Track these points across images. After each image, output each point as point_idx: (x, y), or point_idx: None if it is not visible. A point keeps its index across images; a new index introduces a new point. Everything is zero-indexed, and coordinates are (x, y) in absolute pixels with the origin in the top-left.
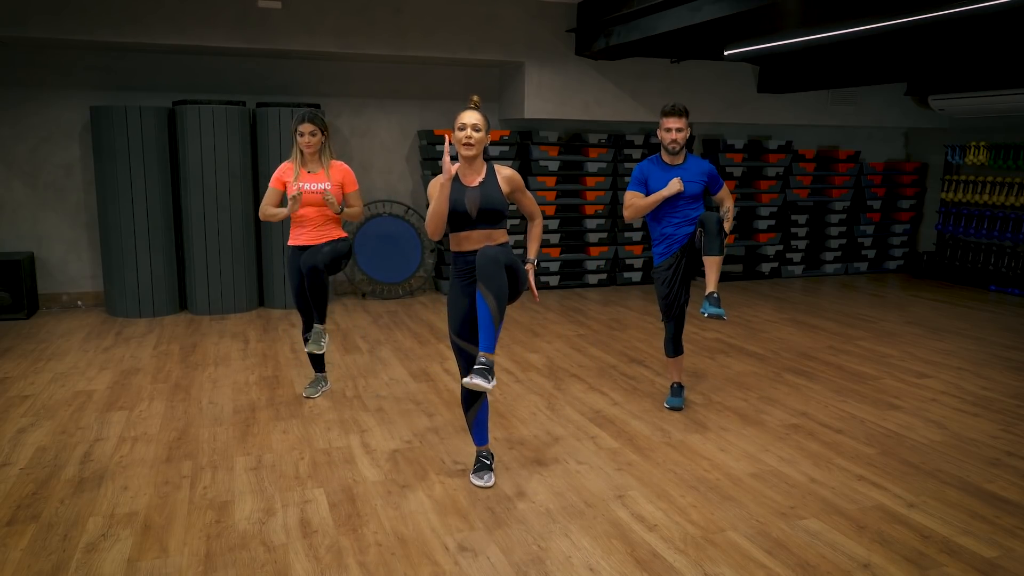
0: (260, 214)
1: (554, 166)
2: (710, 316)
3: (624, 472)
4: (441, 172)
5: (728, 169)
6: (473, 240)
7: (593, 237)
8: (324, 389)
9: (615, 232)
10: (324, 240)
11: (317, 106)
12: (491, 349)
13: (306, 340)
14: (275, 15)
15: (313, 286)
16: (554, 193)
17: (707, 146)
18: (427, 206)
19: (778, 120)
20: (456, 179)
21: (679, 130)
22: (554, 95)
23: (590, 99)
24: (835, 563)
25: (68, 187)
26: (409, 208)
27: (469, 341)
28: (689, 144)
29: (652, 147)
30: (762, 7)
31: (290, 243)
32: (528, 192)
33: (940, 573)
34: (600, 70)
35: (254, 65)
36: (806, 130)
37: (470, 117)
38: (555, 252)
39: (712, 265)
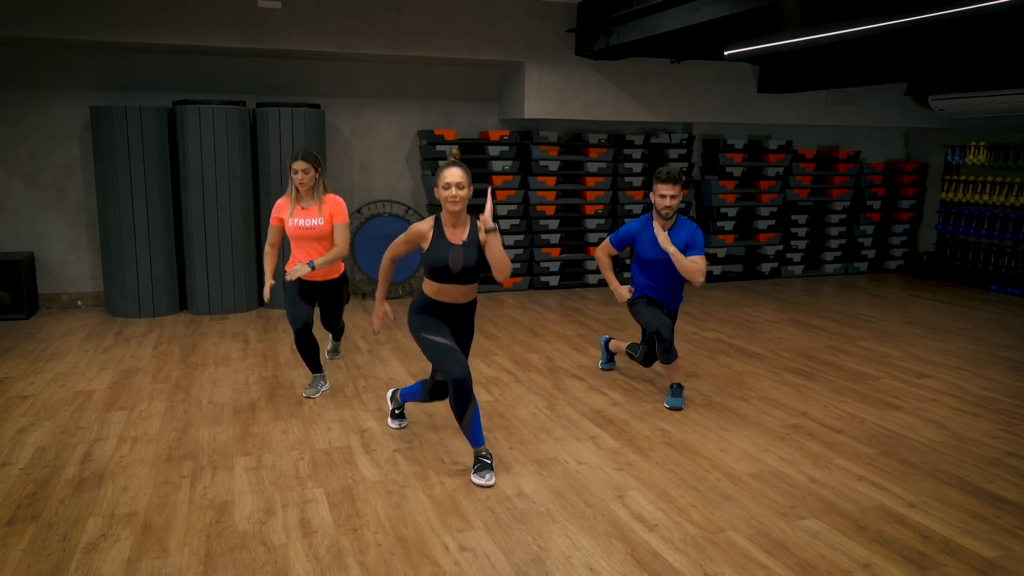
0: (264, 255)
1: (554, 166)
2: (668, 406)
3: (624, 472)
4: (425, 218)
5: (728, 169)
6: (450, 294)
7: (593, 237)
8: (324, 389)
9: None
10: (322, 276)
11: (317, 106)
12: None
13: (298, 343)
14: (275, 15)
15: (323, 302)
16: (554, 193)
17: (707, 146)
18: (430, 207)
19: (778, 120)
20: (441, 233)
21: (673, 196)
22: (554, 95)
23: (590, 99)
24: (835, 563)
25: (68, 187)
26: (409, 208)
27: (451, 340)
28: (689, 144)
29: (652, 147)
30: (762, 7)
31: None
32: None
33: (940, 573)
34: (600, 70)
35: (254, 65)
36: (806, 130)
37: (454, 175)
38: (555, 252)
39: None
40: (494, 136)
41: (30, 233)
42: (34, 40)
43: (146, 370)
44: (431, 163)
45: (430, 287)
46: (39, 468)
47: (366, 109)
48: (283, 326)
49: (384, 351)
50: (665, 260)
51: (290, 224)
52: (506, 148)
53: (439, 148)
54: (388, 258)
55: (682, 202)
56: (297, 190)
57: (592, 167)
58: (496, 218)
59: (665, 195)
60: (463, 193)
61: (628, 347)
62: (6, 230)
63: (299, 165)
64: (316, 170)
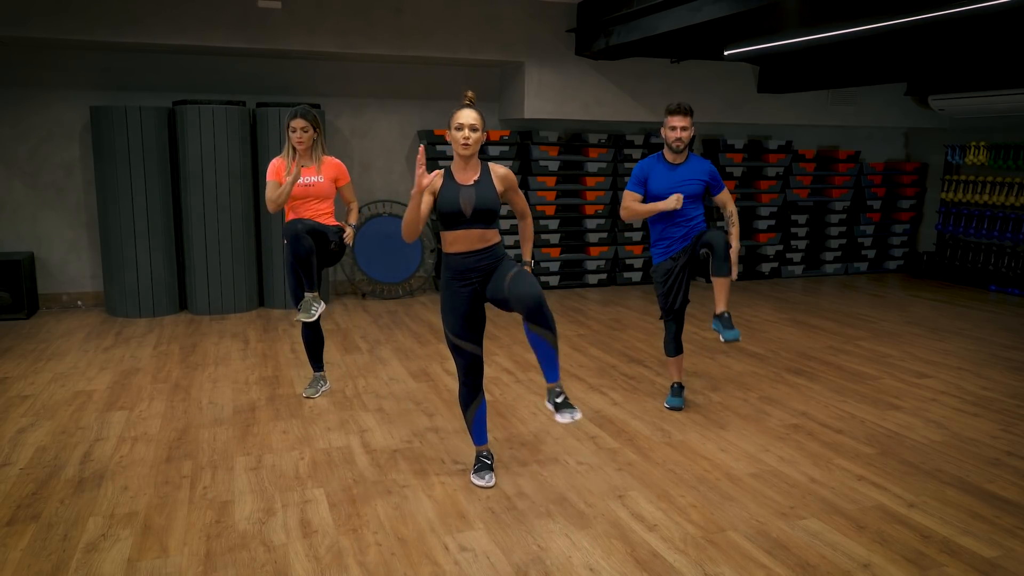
0: (268, 203)
1: (554, 166)
2: (727, 341)
3: (624, 472)
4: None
5: (728, 169)
6: (467, 240)
7: (593, 237)
8: (324, 389)
9: (615, 232)
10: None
11: (317, 106)
12: (558, 376)
13: (305, 333)
14: (275, 15)
15: (322, 252)
16: (554, 193)
17: (707, 146)
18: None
19: (778, 120)
20: (451, 177)
21: (684, 128)
22: (554, 95)
23: (590, 99)
24: (835, 563)
25: (68, 187)
26: None
27: (468, 340)
28: (690, 145)
29: (652, 147)
30: (762, 7)
31: (288, 219)
32: (520, 191)
33: (940, 573)
34: (600, 70)
35: (254, 65)
36: (806, 130)
37: (467, 117)
38: (555, 252)
39: (721, 286)
40: (494, 136)
41: (30, 233)
42: (34, 40)
43: (146, 370)
44: (431, 163)
45: (446, 240)
46: (39, 468)
47: (366, 109)
48: (283, 326)
49: (384, 351)
50: (681, 193)
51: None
52: (506, 148)
53: (439, 148)
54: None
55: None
56: (294, 149)
57: (592, 167)
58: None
59: (676, 127)
60: (476, 136)
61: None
62: (6, 230)
63: (298, 123)
64: (315, 129)
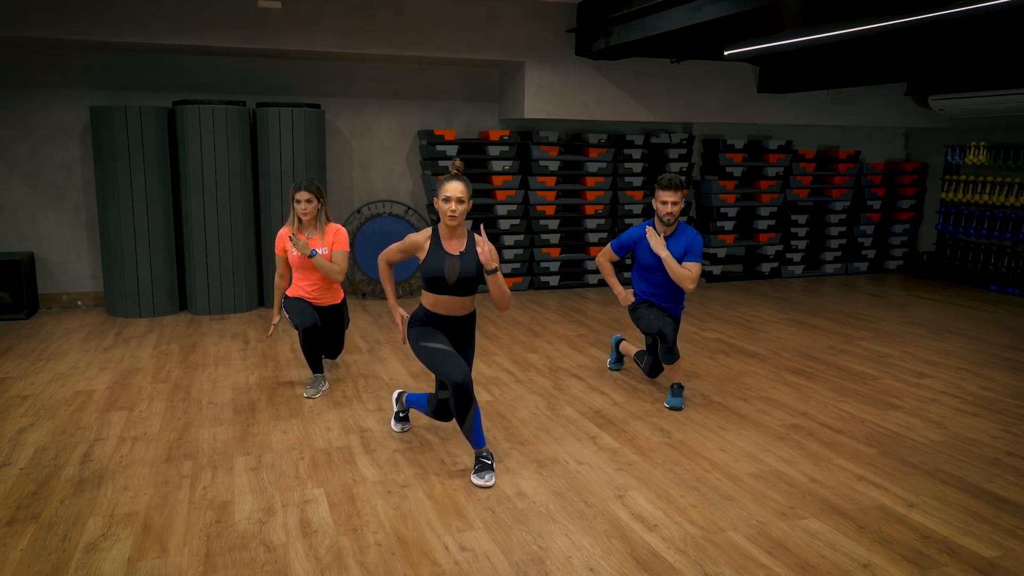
0: (275, 288)
1: (554, 166)
2: (669, 407)
3: (624, 472)
4: (425, 228)
5: (728, 169)
6: (446, 306)
7: (593, 237)
8: (324, 389)
9: (615, 232)
10: (325, 301)
11: (317, 106)
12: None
13: (304, 343)
14: (275, 15)
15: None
16: (554, 193)
17: (707, 146)
18: (429, 207)
19: (778, 120)
20: (438, 244)
21: (674, 203)
22: (554, 95)
23: (590, 99)
24: (835, 563)
25: (68, 187)
26: (409, 208)
27: (446, 344)
28: (689, 144)
29: (652, 147)
30: (762, 7)
31: (290, 294)
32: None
33: (940, 573)
34: (600, 70)
35: (254, 65)
36: (806, 130)
37: (455, 190)
38: (555, 252)
39: (671, 369)
40: (494, 136)
41: (30, 233)
42: (34, 40)
43: (146, 370)
44: (431, 163)
45: (427, 299)
46: (39, 468)
47: (366, 109)
48: (283, 326)
49: (384, 351)
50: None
51: (293, 254)
52: (506, 148)
53: (439, 148)
54: (383, 261)
55: (685, 203)
56: (300, 220)
57: (592, 167)
58: (496, 257)
59: (667, 201)
60: (462, 208)
61: (635, 355)
62: (6, 230)
63: (302, 195)
64: (319, 200)
